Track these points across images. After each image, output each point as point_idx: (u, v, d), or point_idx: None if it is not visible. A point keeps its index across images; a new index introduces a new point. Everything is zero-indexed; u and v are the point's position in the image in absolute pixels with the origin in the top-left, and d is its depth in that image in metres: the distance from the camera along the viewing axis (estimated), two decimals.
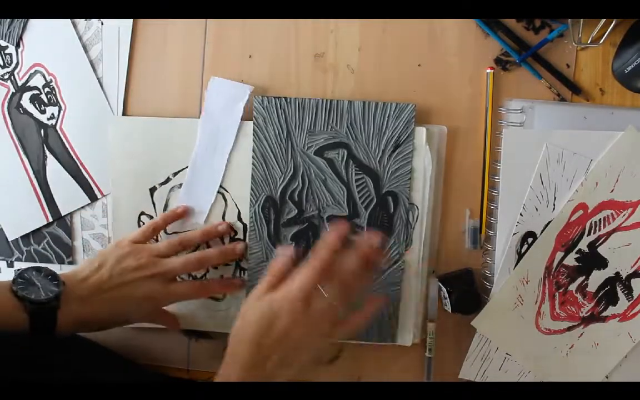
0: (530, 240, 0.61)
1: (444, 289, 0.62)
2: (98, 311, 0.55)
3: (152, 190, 0.64)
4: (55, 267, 0.64)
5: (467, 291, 0.62)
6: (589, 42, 0.60)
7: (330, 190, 0.59)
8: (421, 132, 0.60)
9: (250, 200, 0.61)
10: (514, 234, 0.61)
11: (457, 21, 0.61)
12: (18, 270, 0.55)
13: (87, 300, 0.54)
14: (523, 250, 0.61)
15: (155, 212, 0.64)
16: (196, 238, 0.62)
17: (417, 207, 0.61)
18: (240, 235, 0.63)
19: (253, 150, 0.60)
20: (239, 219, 0.63)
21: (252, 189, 0.60)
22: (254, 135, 0.60)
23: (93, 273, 0.56)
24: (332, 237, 0.54)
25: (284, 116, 0.59)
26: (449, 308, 0.62)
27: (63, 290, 0.53)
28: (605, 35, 0.59)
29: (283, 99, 0.59)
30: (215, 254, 0.61)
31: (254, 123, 0.60)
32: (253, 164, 0.60)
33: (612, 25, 0.58)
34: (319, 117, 0.59)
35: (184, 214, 0.63)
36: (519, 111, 0.61)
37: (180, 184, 0.63)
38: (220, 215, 0.63)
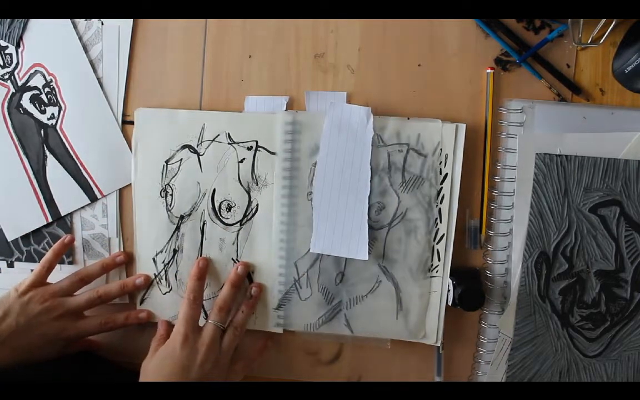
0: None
1: (449, 280, 0.61)
2: (10, 356, 0.58)
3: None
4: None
5: (472, 287, 0.61)
6: (589, 42, 0.60)
7: (599, 245, 0.60)
8: (449, 129, 0.60)
9: (524, 255, 0.61)
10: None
11: (457, 21, 0.62)
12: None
13: None
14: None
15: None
16: (95, 272, 0.64)
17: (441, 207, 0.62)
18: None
19: (531, 206, 0.60)
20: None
21: (526, 245, 0.61)
22: (533, 191, 0.60)
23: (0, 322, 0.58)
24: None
25: (563, 174, 0.60)
26: (450, 301, 0.61)
27: None
28: (605, 35, 0.59)
29: (564, 156, 0.59)
30: (116, 289, 0.64)
31: (534, 180, 0.60)
32: (530, 219, 0.60)
33: (612, 25, 0.58)
34: (596, 175, 0.59)
35: (71, 243, 0.65)
36: (519, 111, 0.61)
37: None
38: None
